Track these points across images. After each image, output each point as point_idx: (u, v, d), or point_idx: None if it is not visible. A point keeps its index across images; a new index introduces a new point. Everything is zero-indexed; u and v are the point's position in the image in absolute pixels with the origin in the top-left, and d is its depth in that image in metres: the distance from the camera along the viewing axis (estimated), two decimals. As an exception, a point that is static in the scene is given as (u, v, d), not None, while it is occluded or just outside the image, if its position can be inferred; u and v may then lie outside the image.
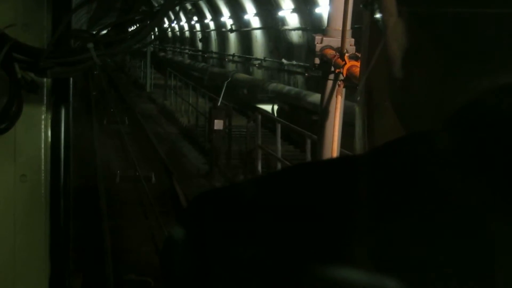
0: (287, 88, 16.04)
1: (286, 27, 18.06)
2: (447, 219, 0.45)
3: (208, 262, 0.50)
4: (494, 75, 0.50)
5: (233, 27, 24.11)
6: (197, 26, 33.05)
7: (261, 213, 0.50)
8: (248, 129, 12.04)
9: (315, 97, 10.66)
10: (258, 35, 21.46)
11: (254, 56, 21.71)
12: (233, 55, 24.46)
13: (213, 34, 29.35)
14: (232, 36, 25.13)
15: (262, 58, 20.48)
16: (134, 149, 13.78)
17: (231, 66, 24.72)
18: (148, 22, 1.84)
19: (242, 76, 20.68)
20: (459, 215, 0.45)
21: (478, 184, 0.46)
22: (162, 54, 39.18)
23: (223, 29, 26.14)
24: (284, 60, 17.98)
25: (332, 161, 0.57)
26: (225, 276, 0.49)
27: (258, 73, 21.10)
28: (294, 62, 17.58)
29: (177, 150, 14.41)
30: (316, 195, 0.50)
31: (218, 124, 12.14)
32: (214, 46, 29.27)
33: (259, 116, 10.65)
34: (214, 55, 28.43)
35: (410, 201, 0.47)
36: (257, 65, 20.83)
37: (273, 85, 16.71)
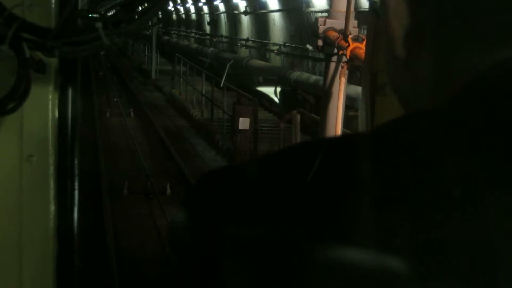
0: (313, 77, 15.35)
1: (311, 9, 17.71)
2: (448, 196, 0.48)
3: (214, 242, 0.53)
4: (497, 51, 0.53)
5: (248, 9, 23.88)
6: (205, 8, 32.85)
7: (267, 192, 0.53)
8: (281, 130, 10.85)
9: (350, 90, 9.32)
10: (276, 18, 21.14)
11: (271, 41, 21.39)
12: (247, 40, 24.23)
13: (223, 16, 29.09)
14: (245, 19, 24.80)
15: (282, 43, 20.10)
16: (142, 148, 13.05)
17: (243, 52, 24.46)
18: (157, 1, 1.89)
19: (258, 63, 20.32)
20: (459, 192, 0.48)
21: (479, 161, 0.49)
22: (166, 37, 39.05)
23: (235, 11, 25.89)
24: (309, 46, 17.52)
25: (337, 138, 0.59)
26: (232, 256, 0.52)
27: (276, 60, 20.74)
28: (321, 48, 17.06)
29: (192, 150, 13.75)
30: (321, 174, 0.52)
31: (244, 123, 11.12)
32: (224, 29, 29.00)
33: (298, 116, 9.23)
34: (225, 39, 28.19)
35: (411, 179, 0.49)
36: (275, 51, 20.55)
37: (297, 74, 16.09)
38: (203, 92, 17.18)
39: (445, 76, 0.55)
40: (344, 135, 0.58)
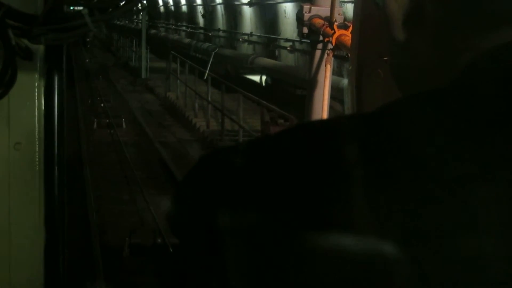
0: (344, 81, 12.76)
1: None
2: (430, 186, 0.48)
3: (214, 225, 0.52)
4: (499, 32, 0.51)
5: (253, -1, 20.89)
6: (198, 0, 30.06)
7: (264, 176, 0.52)
8: None
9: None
10: (288, 9, 18.20)
11: (283, 37, 18.39)
12: (251, 34, 21.22)
13: (219, 8, 26.17)
14: (248, 12, 21.98)
15: (297, 39, 17.15)
16: (142, 175, 10.48)
17: (245, 48, 21.54)
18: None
19: (267, 61, 17.63)
20: (442, 181, 0.47)
21: (470, 146, 0.48)
22: (153, 31, 36.32)
23: (236, 2, 22.91)
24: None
25: (332, 122, 0.57)
26: (232, 240, 0.51)
27: (289, 58, 17.89)
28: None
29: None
30: (312, 158, 0.52)
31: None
32: (221, 23, 26.12)
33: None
34: (222, 33, 25.28)
35: (397, 166, 0.49)
36: (288, 48, 17.53)
37: (322, 77, 13.41)
38: (209, 98, 14.21)
39: (446, 59, 0.54)
40: (339, 119, 0.55)
